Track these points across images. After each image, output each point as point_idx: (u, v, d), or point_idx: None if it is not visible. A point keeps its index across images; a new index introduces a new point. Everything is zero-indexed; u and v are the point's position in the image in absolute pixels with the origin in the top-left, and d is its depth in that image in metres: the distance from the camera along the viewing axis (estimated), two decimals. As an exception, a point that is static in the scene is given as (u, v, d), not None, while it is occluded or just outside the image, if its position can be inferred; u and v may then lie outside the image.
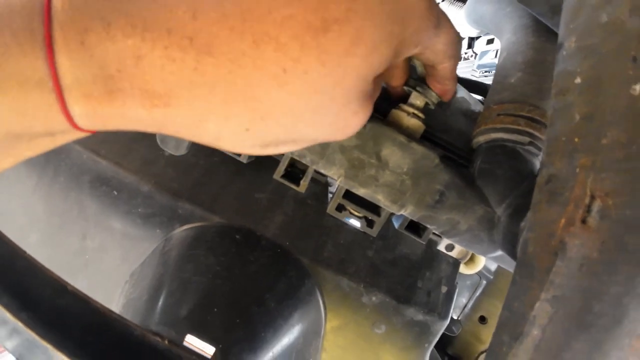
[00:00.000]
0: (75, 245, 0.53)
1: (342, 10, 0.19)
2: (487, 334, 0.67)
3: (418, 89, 0.37)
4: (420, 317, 0.47)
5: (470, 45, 0.97)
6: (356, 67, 0.21)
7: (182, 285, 0.41)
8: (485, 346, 0.65)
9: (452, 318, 0.69)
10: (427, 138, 0.45)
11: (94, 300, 0.36)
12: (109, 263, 0.52)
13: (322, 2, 0.19)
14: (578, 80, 0.24)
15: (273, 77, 0.20)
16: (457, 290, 0.49)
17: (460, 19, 0.73)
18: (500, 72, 0.42)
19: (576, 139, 0.24)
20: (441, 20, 0.26)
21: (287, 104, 0.21)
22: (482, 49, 0.93)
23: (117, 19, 0.17)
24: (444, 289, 0.48)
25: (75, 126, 0.19)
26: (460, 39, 0.31)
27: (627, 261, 0.22)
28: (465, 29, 0.77)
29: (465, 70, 1.01)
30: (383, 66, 0.23)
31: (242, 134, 0.23)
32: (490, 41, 0.91)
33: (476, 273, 0.65)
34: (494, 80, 0.43)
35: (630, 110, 0.21)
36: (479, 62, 0.95)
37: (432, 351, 0.63)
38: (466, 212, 0.37)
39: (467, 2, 0.61)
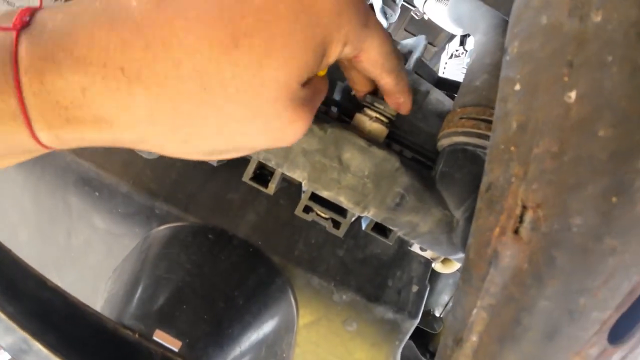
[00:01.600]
0: (62, 242, 0.54)
1: (250, 23, 0.19)
2: (466, 330, 0.66)
3: (376, 104, 0.36)
4: (390, 315, 0.46)
5: (461, 43, 0.95)
6: (274, 78, 0.20)
7: (154, 283, 0.41)
8: (464, 342, 0.65)
9: (434, 315, 0.68)
10: (395, 140, 0.45)
11: (71, 295, 0.37)
12: (93, 259, 0.53)
13: (230, 18, 0.19)
14: (517, 87, 0.23)
15: (195, 95, 0.20)
16: (428, 289, 0.49)
17: (446, 17, 0.71)
18: (468, 74, 0.41)
19: (512, 148, 0.23)
20: (370, 20, 0.25)
21: (214, 119, 0.21)
22: (472, 46, 0.90)
23: (65, 59, 0.19)
24: (414, 288, 0.48)
25: (44, 146, 0.22)
26: (396, 50, 0.29)
27: (555, 276, 0.21)
28: (452, 28, 0.75)
29: (455, 67, 0.99)
30: (308, 71, 0.22)
31: (182, 146, 0.23)
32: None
33: (458, 271, 0.64)
34: (462, 83, 0.42)
35: (563, 119, 0.20)
36: (469, 60, 0.93)
37: (413, 349, 0.63)
38: (425, 215, 0.36)
39: (450, 1, 0.59)
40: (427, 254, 0.51)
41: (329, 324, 0.47)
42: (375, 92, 0.39)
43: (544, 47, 0.21)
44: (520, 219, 0.22)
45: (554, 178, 0.21)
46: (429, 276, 0.49)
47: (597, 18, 0.19)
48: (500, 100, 0.25)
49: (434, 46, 1.29)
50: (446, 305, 0.67)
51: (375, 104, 0.37)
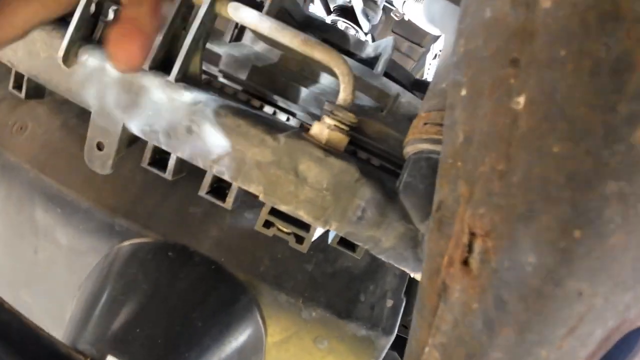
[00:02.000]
0: (29, 258, 0.51)
1: None
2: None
3: (335, 111, 0.33)
4: (363, 332, 0.43)
5: (445, 43, 0.91)
6: None
7: (110, 304, 0.38)
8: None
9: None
10: (362, 147, 0.41)
11: (26, 317, 0.34)
12: (59, 276, 0.50)
13: None
14: (463, 92, 0.20)
15: None
16: (404, 302, 0.45)
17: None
18: (435, 76, 0.38)
19: (459, 163, 0.19)
20: None
21: None
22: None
23: None
24: (389, 302, 0.44)
25: None
26: None
27: (507, 323, 0.17)
28: (433, 29, 0.71)
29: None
30: None
31: None
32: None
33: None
34: (429, 86, 0.38)
35: (510, 131, 0.17)
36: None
37: (396, 358, 0.59)
38: (387, 229, 0.33)
39: (424, 1, 0.56)
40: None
41: (299, 342, 0.44)
42: (334, 98, 0.35)
43: (487, 44, 0.18)
44: (469, 248, 0.19)
45: (502, 202, 0.17)
46: (404, 289, 0.45)
47: (546, 3, 0.15)
48: (448, 107, 0.21)
49: (422, 47, 1.25)
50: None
51: (334, 112, 0.34)
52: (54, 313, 0.52)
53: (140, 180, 0.44)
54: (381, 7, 0.89)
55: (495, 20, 0.17)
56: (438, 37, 1.04)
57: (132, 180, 0.44)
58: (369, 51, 0.52)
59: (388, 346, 0.44)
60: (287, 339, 0.44)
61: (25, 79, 0.45)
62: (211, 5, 0.35)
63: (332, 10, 0.93)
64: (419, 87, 0.58)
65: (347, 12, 0.90)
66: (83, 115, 0.49)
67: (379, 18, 0.91)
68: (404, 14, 0.76)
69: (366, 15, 0.88)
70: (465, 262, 0.19)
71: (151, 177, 0.45)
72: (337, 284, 0.43)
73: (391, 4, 0.95)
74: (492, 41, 0.17)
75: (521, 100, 0.16)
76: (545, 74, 0.16)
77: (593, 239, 0.15)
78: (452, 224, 0.20)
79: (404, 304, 0.45)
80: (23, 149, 0.49)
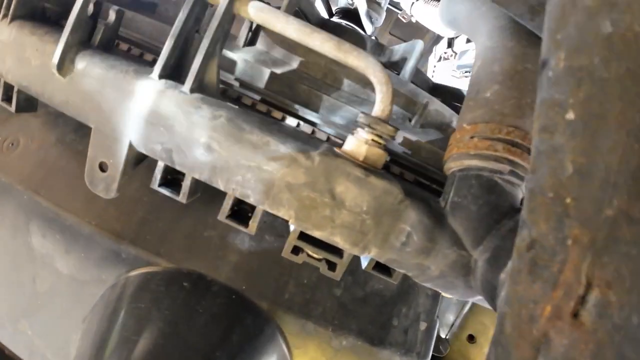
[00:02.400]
0: (27, 288, 0.46)
1: None
2: (475, 353, 0.59)
3: (372, 124, 0.29)
4: (397, 358, 0.39)
5: (450, 45, 0.88)
6: None
7: (123, 346, 0.34)
8: (475, 366, 0.59)
9: (439, 337, 0.62)
10: (394, 161, 0.38)
11: None
12: (61, 307, 0.45)
13: None
14: (570, 115, 0.16)
15: None
16: (437, 324, 0.42)
17: (437, 20, 0.64)
18: (474, 84, 0.34)
19: (568, 200, 0.16)
20: None
21: None
22: (462, 48, 0.84)
23: None
24: (422, 325, 0.41)
25: None
26: None
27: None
28: (443, 30, 0.68)
29: (444, 71, 0.92)
30: None
31: None
32: (470, 39, 0.82)
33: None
34: (467, 95, 0.35)
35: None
36: (459, 63, 0.86)
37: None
38: (437, 257, 0.29)
39: (441, 1, 0.52)
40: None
41: (328, 372, 0.40)
42: (361, 108, 0.32)
43: (611, 65, 0.15)
44: (582, 300, 0.15)
45: (635, 253, 0.14)
46: (437, 310, 0.42)
47: None
48: (542, 130, 0.18)
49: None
50: (451, 326, 0.61)
51: (372, 125, 0.30)
52: (56, 346, 0.47)
53: (148, 202, 0.40)
54: (384, 9, 0.86)
55: (622, 37, 0.14)
56: (439, 38, 1.02)
57: (139, 201, 0.40)
58: (390, 55, 0.49)
59: (423, 372, 0.41)
60: (315, 370, 0.40)
61: (15, 90, 0.39)
62: (230, 4, 0.30)
63: (334, 12, 0.89)
64: (437, 92, 0.55)
65: (350, 15, 0.87)
66: (81, 129, 0.44)
67: (382, 20, 0.88)
68: (412, 15, 0.73)
69: (369, 18, 0.85)
70: (575, 315, 0.16)
71: (160, 199, 0.40)
72: (368, 309, 0.40)
73: (395, 6, 0.91)
74: (619, 62, 0.14)
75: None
76: None
77: None
78: (551, 268, 0.17)
79: (437, 326, 0.42)
80: (15, 167, 0.43)
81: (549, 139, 0.17)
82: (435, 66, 0.93)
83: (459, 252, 0.29)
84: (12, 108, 0.41)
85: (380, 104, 0.31)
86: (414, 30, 1.30)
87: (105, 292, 0.40)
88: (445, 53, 0.88)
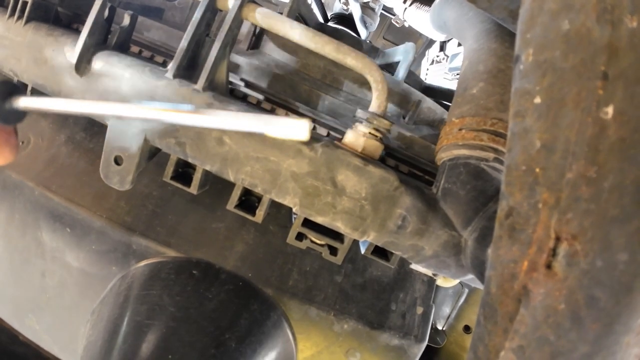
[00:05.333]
0: (36, 283, 0.48)
1: None
2: (470, 343, 0.62)
3: (369, 118, 0.33)
4: (395, 341, 0.42)
5: (442, 48, 0.93)
6: None
7: (135, 330, 0.36)
8: (470, 355, 0.61)
9: (436, 329, 0.65)
10: (389, 154, 0.41)
11: (44, 350, 0.32)
12: (69, 300, 0.47)
13: None
14: (537, 100, 0.20)
15: None
16: (433, 309, 0.45)
17: (428, 24, 0.68)
18: (462, 82, 0.38)
19: (537, 170, 0.19)
20: None
21: None
22: (453, 51, 0.88)
23: None
24: (419, 310, 0.44)
25: None
26: None
27: (598, 318, 0.18)
28: (434, 34, 0.72)
29: (437, 73, 0.97)
30: None
31: None
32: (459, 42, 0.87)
33: (460, 284, 0.60)
34: (456, 92, 0.38)
35: (599, 139, 0.17)
36: (450, 65, 0.91)
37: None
38: (430, 238, 0.33)
39: (432, 7, 0.57)
40: (428, 270, 0.47)
41: (330, 356, 0.42)
42: (358, 107, 0.35)
43: (568, 56, 0.18)
44: (553, 253, 0.19)
45: (593, 207, 0.17)
46: (433, 295, 0.45)
47: (633, 24, 0.16)
48: (516, 115, 0.21)
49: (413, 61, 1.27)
50: (447, 317, 0.64)
51: (369, 119, 0.34)
52: (63, 339, 0.48)
53: (158, 196, 0.42)
54: (378, 14, 0.90)
55: (577, 33, 0.18)
56: (431, 42, 1.06)
57: (149, 196, 0.42)
58: (385, 57, 0.53)
59: (420, 354, 0.44)
60: (318, 354, 0.43)
61: (29, 89, 0.42)
62: (239, 11, 0.34)
63: (329, 18, 0.93)
64: (429, 92, 0.59)
65: (344, 20, 0.91)
66: (91, 128, 0.47)
67: (376, 25, 0.92)
68: (404, 20, 0.77)
69: (364, 23, 0.89)
70: (549, 266, 0.19)
71: (169, 193, 0.43)
72: (367, 295, 0.43)
73: (388, 11, 0.96)
74: (575, 53, 0.18)
75: (609, 110, 0.17)
76: (634, 87, 0.16)
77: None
78: (527, 230, 0.20)
79: (433, 310, 0.45)
80: (26, 165, 0.46)
81: (521, 121, 0.21)
82: (427, 69, 0.98)
83: (450, 232, 0.32)
84: (25, 108, 0.43)
85: (377, 100, 0.34)
86: (407, 35, 1.35)
87: (114, 283, 0.43)
88: (437, 56, 0.92)
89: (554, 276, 0.19)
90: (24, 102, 0.23)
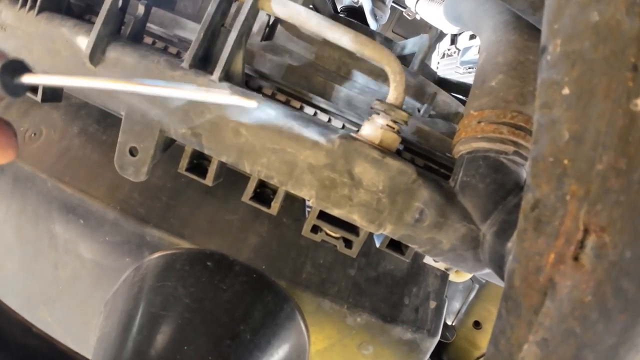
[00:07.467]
0: (48, 275, 0.49)
1: None
2: (482, 339, 0.63)
3: (386, 110, 0.33)
4: (408, 335, 0.43)
5: (453, 42, 0.92)
6: None
7: (150, 322, 0.37)
8: (481, 352, 0.62)
9: (446, 324, 0.65)
10: (405, 147, 0.41)
11: (59, 341, 0.32)
12: (81, 292, 0.47)
13: None
14: (566, 91, 0.20)
15: None
16: (446, 303, 0.45)
17: (440, 17, 0.68)
18: (480, 75, 0.38)
19: (565, 161, 0.20)
20: None
21: None
22: (465, 44, 0.88)
23: None
24: (432, 304, 0.44)
25: None
26: None
27: (625, 309, 0.18)
28: (447, 27, 0.72)
29: (448, 67, 0.97)
30: None
31: None
32: (473, 36, 0.87)
33: (470, 279, 0.61)
34: (473, 84, 0.38)
35: (629, 131, 0.17)
36: (462, 59, 0.90)
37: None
38: (448, 231, 0.33)
39: (446, 0, 0.56)
40: (442, 265, 0.47)
41: (343, 349, 0.43)
42: (373, 98, 0.35)
43: (598, 48, 0.18)
44: (581, 245, 0.19)
45: (622, 199, 0.17)
46: (446, 290, 0.45)
47: None
48: (543, 106, 0.21)
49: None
50: (457, 312, 0.64)
51: (387, 111, 0.34)
52: (75, 332, 0.49)
53: (171, 188, 0.43)
54: (389, 7, 0.90)
55: (607, 25, 0.18)
56: (442, 35, 1.06)
57: (162, 188, 0.43)
58: (399, 49, 0.53)
59: (432, 348, 0.44)
60: (330, 347, 0.43)
61: (42, 80, 0.42)
62: (255, 0, 0.34)
63: (339, 11, 0.93)
64: (442, 85, 0.59)
65: (354, 12, 0.90)
66: (104, 120, 0.47)
67: (386, 18, 0.91)
68: (416, 13, 0.77)
69: (374, 16, 0.89)
70: (576, 259, 0.19)
71: (183, 184, 0.44)
72: (381, 288, 0.43)
73: (399, 4, 0.95)
74: (604, 45, 0.18)
75: (639, 102, 0.17)
76: None
77: None
78: (553, 223, 0.20)
79: (446, 305, 0.46)
80: (38, 156, 0.46)
81: (548, 113, 0.21)
82: (438, 62, 0.97)
83: (469, 226, 0.32)
84: (38, 98, 0.44)
85: (394, 91, 0.34)
86: (416, 28, 1.34)
87: (128, 275, 0.43)
88: (448, 50, 0.92)
89: (582, 268, 0.19)
90: (32, 79, 0.24)
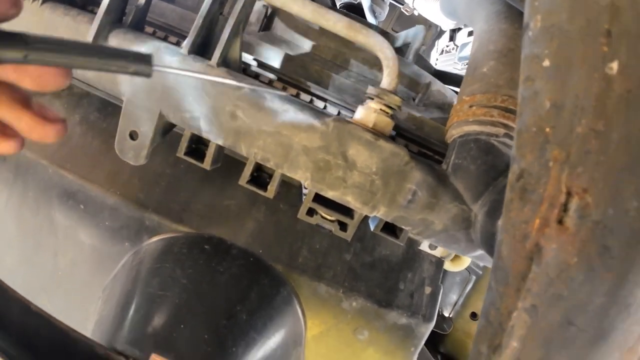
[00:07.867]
0: (48, 263, 0.50)
1: None
2: (477, 330, 0.63)
3: (380, 95, 0.34)
4: (403, 320, 0.43)
5: (451, 38, 0.94)
6: None
7: (148, 302, 0.37)
8: (476, 343, 0.62)
9: (443, 316, 0.66)
10: (400, 134, 0.42)
11: (58, 320, 0.33)
12: (80, 278, 0.48)
13: None
14: (546, 63, 0.21)
15: None
16: (442, 290, 0.46)
17: (438, 12, 0.69)
18: (472, 63, 0.39)
19: (547, 129, 0.20)
20: None
21: None
22: (463, 40, 0.89)
23: None
24: (427, 289, 0.45)
25: None
26: None
27: (612, 268, 0.18)
28: (444, 22, 0.73)
29: (447, 63, 0.98)
30: None
31: None
32: (471, 33, 0.88)
33: (465, 269, 0.61)
34: (466, 72, 0.39)
35: (606, 94, 0.18)
36: (460, 55, 0.91)
37: (423, 351, 0.60)
38: (440, 212, 0.34)
39: (442, -6, 0.58)
40: (437, 252, 0.48)
41: (338, 334, 0.44)
42: (376, 82, 0.36)
43: (574, 19, 0.19)
44: (565, 208, 0.20)
45: (602, 159, 0.18)
46: (441, 276, 0.46)
47: None
48: (526, 80, 0.22)
49: (422, 44, 1.28)
50: (454, 304, 0.65)
51: (380, 95, 0.35)
52: (75, 317, 0.50)
53: (170, 174, 0.44)
54: (388, 3, 0.91)
55: None
56: (441, 33, 1.07)
57: (162, 174, 0.44)
58: (394, 41, 0.54)
59: (428, 333, 0.45)
60: (326, 331, 0.44)
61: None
62: (253, -11, 0.35)
63: (338, 7, 0.94)
64: (439, 78, 0.60)
65: (353, 10, 0.92)
66: (105, 109, 0.48)
67: (385, 14, 0.93)
68: (414, 9, 0.78)
69: (373, 12, 0.90)
70: (560, 222, 0.20)
71: (182, 170, 0.45)
72: (376, 273, 0.44)
73: (398, 1, 0.97)
74: (580, 15, 0.19)
75: (614, 65, 0.18)
76: (637, 42, 0.17)
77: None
78: (538, 190, 0.21)
79: (441, 291, 0.46)
80: (40, 145, 0.47)
81: (531, 85, 0.22)
82: (437, 59, 0.99)
83: (460, 206, 0.33)
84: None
85: (388, 77, 0.35)
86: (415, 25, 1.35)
87: (127, 259, 0.44)
88: (447, 46, 0.93)
89: (566, 230, 0.19)
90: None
